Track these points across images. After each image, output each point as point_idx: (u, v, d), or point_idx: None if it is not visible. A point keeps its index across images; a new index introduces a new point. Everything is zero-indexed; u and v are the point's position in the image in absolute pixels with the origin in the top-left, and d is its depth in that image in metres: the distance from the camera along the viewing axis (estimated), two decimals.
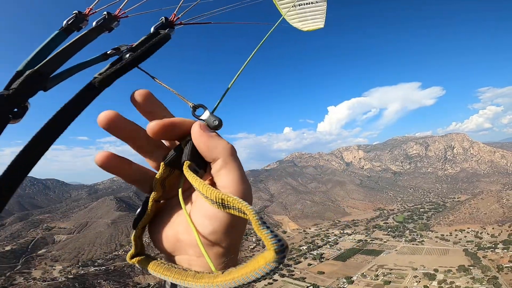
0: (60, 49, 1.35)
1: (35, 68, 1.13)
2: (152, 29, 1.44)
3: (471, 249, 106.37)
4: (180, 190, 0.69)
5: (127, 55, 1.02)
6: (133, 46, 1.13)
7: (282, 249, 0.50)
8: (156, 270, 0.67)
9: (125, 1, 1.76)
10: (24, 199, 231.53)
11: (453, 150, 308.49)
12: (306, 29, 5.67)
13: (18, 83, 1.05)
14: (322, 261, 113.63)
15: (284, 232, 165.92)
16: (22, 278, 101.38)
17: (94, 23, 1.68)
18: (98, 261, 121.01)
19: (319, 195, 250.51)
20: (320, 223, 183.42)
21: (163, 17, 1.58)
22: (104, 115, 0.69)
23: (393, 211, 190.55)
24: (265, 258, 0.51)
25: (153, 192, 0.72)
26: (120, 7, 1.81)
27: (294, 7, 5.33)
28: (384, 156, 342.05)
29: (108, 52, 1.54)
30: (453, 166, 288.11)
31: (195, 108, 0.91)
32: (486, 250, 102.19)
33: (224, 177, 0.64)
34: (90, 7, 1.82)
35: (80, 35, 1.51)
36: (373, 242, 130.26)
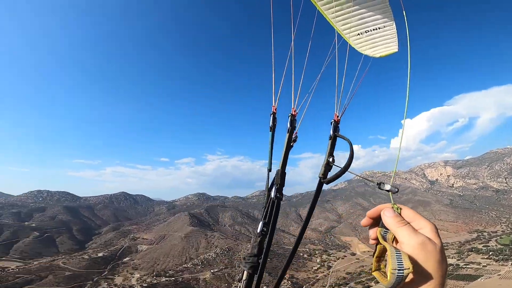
0: (284, 151, 2.55)
1: (283, 168, 2.49)
2: (331, 133, 2.54)
3: None
4: (389, 241, 1.31)
5: (331, 159, 2.32)
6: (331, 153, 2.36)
7: (398, 280, 1.04)
8: (378, 277, 1.26)
9: (297, 101, 2.73)
10: (119, 211, 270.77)
11: None
12: (379, 55, 5.19)
13: (280, 180, 2.52)
14: None
15: (353, 254, 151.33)
16: (106, 284, 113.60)
17: (288, 125, 2.65)
18: (170, 272, 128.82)
19: None
20: None
21: (332, 120, 2.63)
22: (365, 222, 1.54)
23: (496, 233, 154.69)
24: (386, 280, 1.09)
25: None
26: (294, 107, 2.69)
27: (360, 35, 4.98)
28: (481, 172, 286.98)
29: (292, 145, 2.71)
30: None
31: (379, 184, 1.73)
32: None
33: (397, 238, 1.22)
34: (275, 106, 2.71)
35: (288, 136, 2.61)
36: (467, 266, 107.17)
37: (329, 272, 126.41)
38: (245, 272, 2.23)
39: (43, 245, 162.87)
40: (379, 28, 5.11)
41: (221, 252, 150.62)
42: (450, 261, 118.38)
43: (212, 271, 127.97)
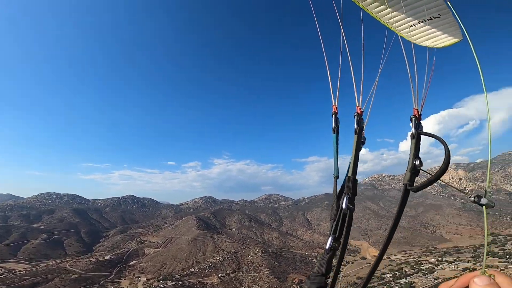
0: (353, 156, 2.24)
1: (354, 176, 2.20)
2: (414, 131, 2.26)
3: None
4: None
5: (417, 163, 2.01)
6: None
7: None
8: None
9: (368, 100, 2.48)
10: (126, 214, 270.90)
11: None
12: (442, 45, 5.41)
13: (354, 188, 2.24)
14: None
15: (364, 258, 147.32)
16: (112, 287, 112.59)
17: (355, 125, 2.37)
18: (177, 276, 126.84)
19: (407, 220, 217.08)
20: (409, 250, 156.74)
21: (412, 116, 2.31)
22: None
23: (511, 236, 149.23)
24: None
25: None
26: (359, 105, 2.40)
27: (413, 26, 5.15)
28: (494, 175, 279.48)
29: (360, 147, 2.47)
30: None
31: (474, 197, 1.69)
32: None
33: None
34: (336, 105, 2.43)
35: (357, 138, 2.33)
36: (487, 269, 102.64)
37: (339, 277, 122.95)
38: None
39: (50, 248, 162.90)
40: (434, 17, 4.28)
41: (228, 256, 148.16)
42: (466, 265, 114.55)
43: (219, 275, 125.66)
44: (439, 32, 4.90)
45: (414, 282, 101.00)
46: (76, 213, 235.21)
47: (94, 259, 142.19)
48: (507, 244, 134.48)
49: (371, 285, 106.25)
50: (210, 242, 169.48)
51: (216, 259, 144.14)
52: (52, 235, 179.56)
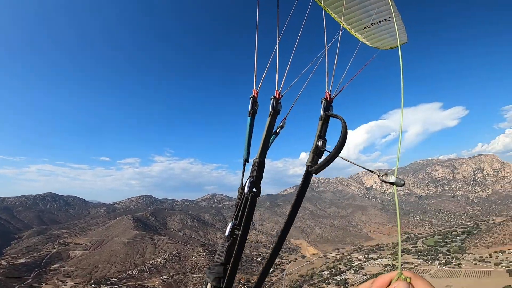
0: (263, 138, 2.21)
1: (261, 158, 2.11)
2: (322, 113, 2.24)
3: None
4: None
5: (320, 143, 1.94)
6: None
7: None
8: None
9: (282, 84, 2.43)
10: (45, 214, 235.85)
11: (482, 172, 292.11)
12: (389, 47, 5.45)
13: (260, 171, 2.08)
14: (347, 287, 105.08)
15: (303, 256, 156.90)
16: None
17: (270, 108, 2.34)
18: (111, 279, 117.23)
19: (339, 219, 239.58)
20: (342, 248, 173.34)
21: (323, 99, 2.33)
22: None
23: (421, 235, 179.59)
24: None
25: None
26: (279, 90, 2.38)
27: (366, 28, 5.06)
28: (408, 180, 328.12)
29: (277, 131, 2.42)
30: (484, 188, 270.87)
31: (382, 175, 1.49)
32: None
33: None
34: (256, 90, 2.39)
35: (269, 121, 2.27)
36: (402, 266, 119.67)
37: (283, 275, 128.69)
38: (209, 284, 1.91)
39: None
40: (385, 20, 5.10)
41: (170, 257, 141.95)
42: (386, 261, 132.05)
43: (161, 277, 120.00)
44: (387, 35, 5.16)
45: (348, 278, 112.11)
46: None
47: (5, 263, 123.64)
48: (418, 241, 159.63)
49: (312, 282, 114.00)
50: (149, 243, 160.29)
51: (157, 261, 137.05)
52: None
